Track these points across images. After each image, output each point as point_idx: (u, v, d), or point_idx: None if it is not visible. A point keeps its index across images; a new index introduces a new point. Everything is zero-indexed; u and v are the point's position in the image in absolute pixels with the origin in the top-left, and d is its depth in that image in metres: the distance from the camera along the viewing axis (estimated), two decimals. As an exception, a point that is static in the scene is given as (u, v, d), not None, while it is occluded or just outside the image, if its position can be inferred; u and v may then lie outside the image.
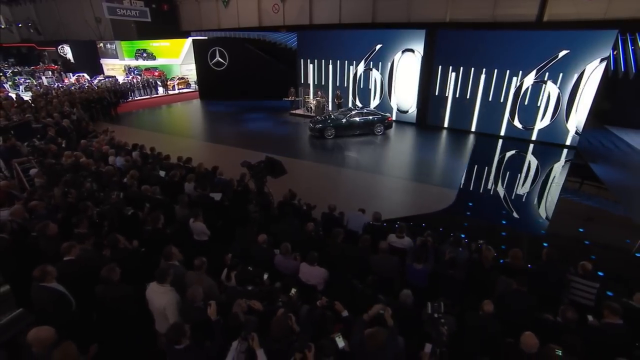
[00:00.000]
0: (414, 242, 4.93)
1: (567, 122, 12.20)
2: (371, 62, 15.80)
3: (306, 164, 10.73)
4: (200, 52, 20.95)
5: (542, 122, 12.66)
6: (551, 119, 12.43)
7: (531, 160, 11.46)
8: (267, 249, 4.58)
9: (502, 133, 13.44)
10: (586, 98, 11.69)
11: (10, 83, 22.43)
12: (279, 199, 6.38)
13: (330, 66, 17.09)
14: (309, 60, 17.73)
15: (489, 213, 7.78)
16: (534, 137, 12.89)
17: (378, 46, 15.38)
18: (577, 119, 12.02)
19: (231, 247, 4.60)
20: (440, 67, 14.31)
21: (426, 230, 5.07)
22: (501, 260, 4.67)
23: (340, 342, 2.76)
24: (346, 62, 16.55)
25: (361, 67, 16.11)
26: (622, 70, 12.77)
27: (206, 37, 22.30)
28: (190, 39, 22.70)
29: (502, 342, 3.19)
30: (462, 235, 6.71)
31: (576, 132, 12.16)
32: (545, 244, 6.53)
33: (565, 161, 11.43)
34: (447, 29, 14.58)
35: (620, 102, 15.10)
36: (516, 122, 13.14)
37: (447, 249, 4.71)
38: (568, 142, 12.33)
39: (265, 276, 3.89)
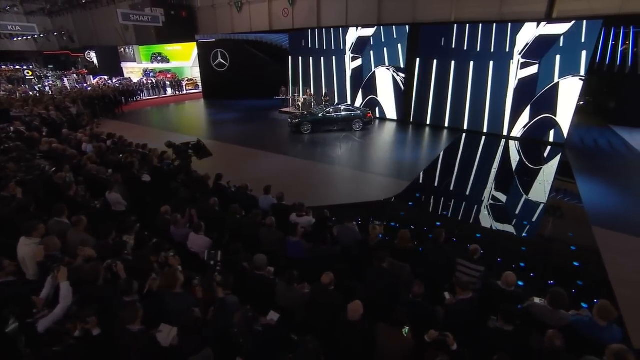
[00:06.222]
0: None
1: (555, 118, 11.63)
2: (357, 59, 15.95)
3: (269, 155, 10.95)
4: (204, 55, 22.02)
5: (523, 119, 12.17)
6: (535, 115, 11.92)
7: (503, 156, 11.09)
8: (168, 220, 4.96)
9: (485, 130, 13.11)
10: (572, 95, 11.11)
11: (39, 86, 24.93)
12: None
13: (318, 65, 17.42)
14: (299, 59, 18.20)
15: (433, 204, 7.70)
16: (515, 134, 12.43)
17: (364, 44, 15.57)
18: (564, 116, 11.43)
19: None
20: (423, 63, 14.20)
21: (324, 210, 5.19)
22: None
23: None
24: (333, 60, 16.84)
25: (347, 65, 16.33)
26: (618, 64, 12.01)
27: (213, 40, 23.39)
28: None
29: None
30: (393, 223, 6.78)
31: (563, 130, 11.55)
32: (477, 235, 6.41)
33: (545, 158, 10.92)
34: (428, 26, 14.37)
35: (625, 101, 14.13)
36: (496, 118, 12.74)
37: (334, 227, 4.84)
38: (552, 139, 11.76)
39: (155, 240, 4.29)
